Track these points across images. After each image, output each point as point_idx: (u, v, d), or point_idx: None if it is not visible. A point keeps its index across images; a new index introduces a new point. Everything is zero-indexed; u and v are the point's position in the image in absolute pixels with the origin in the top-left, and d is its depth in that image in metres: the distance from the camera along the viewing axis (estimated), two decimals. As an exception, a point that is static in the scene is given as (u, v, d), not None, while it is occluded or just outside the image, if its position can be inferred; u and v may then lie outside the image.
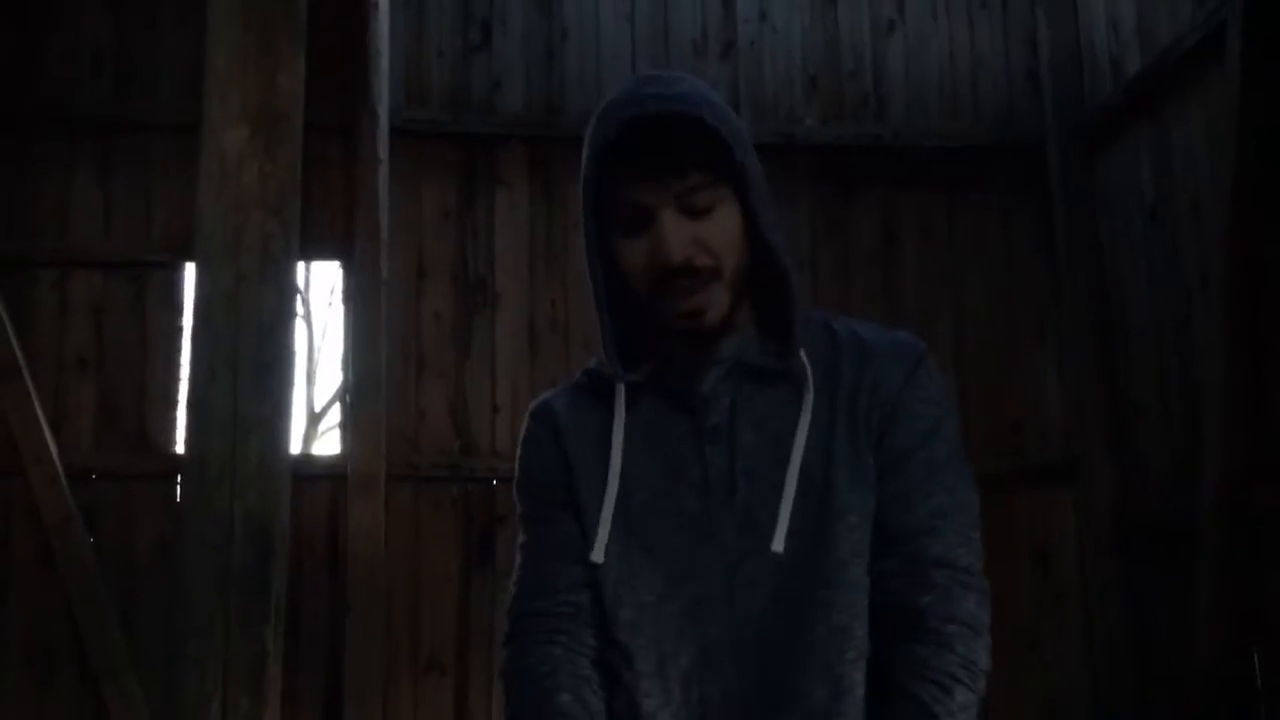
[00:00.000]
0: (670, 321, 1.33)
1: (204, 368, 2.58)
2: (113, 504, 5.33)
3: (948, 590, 1.28)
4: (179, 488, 5.00)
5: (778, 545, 1.28)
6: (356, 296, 5.58)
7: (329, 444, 11.93)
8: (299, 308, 12.15)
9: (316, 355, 12.63)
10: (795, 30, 6.11)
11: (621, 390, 1.37)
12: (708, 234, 1.30)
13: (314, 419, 12.41)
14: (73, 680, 5.18)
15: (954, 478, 1.34)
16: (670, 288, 1.30)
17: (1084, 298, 5.73)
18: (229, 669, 2.40)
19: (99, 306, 5.50)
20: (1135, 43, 5.51)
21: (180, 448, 5.20)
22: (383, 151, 5.55)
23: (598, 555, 1.33)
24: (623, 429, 1.36)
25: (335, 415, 11.11)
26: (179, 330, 5.55)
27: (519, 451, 1.48)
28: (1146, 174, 5.44)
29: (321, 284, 12.39)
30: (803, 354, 1.35)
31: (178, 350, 5.53)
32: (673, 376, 1.37)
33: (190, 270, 5.16)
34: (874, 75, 6.11)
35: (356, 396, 5.53)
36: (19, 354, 5.15)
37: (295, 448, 10.70)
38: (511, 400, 5.67)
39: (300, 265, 6.55)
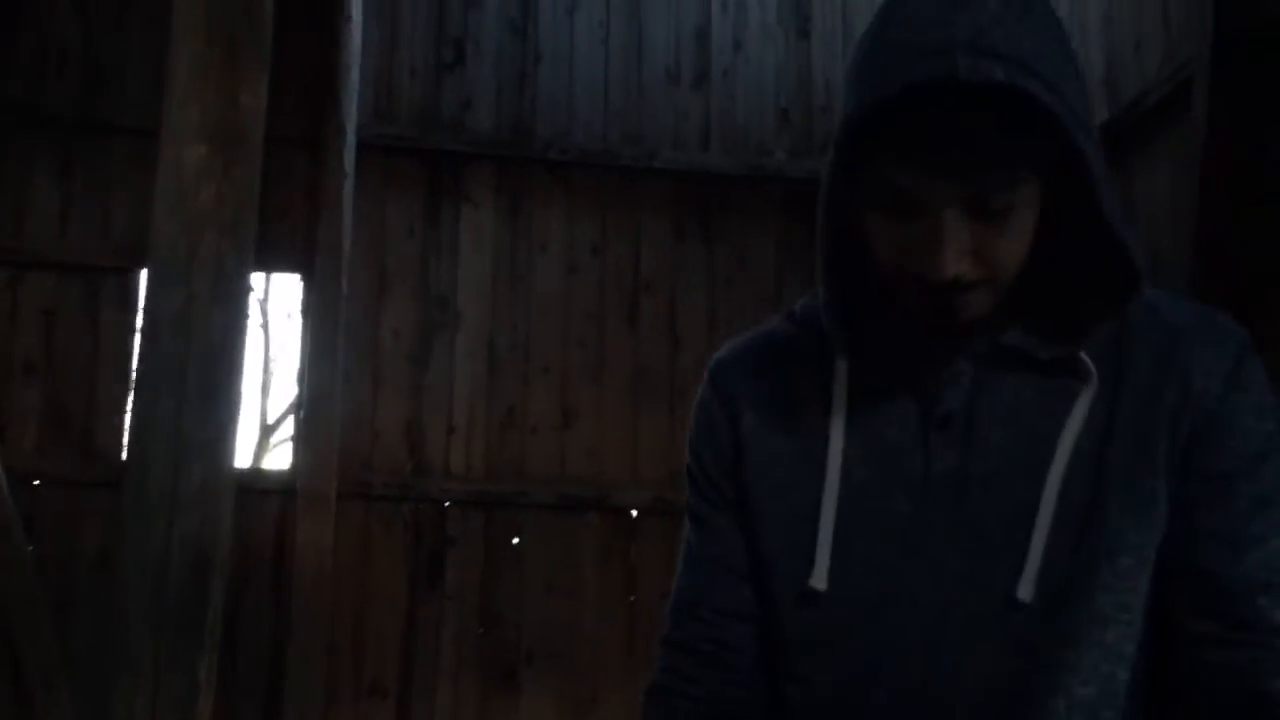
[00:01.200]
0: (914, 313, 1.00)
1: (149, 387, 2.53)
2: (55, 511, 5.23)
3: None
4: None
5: (1024, 592, 0.96)
6: (315, 310, 5.52)
7: (280, 457, 11.82)
8: (257, 318, 12.03)
9: (272, 367, 12.52)
10: (769, 62, 6.13)
11: (844, 371, 1.05)
12: (994, 245, 0.94)
13: (266, 432, 12.28)
14: (4, 689, 5.06)
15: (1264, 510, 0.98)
16: (930, 299, 0.97)
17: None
18: (158, 702, 2.33)
19: (50, 309, 5.40)
20: (1103, 94, 5.56)
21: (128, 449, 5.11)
22: (349, 166, 5.50)
23: (818, 580, 1.01)
24: (844, 422, 1.04)
25: (288, 428, 10.99)
26: (132, 338, 5.46)
27: (696, 416, 1.16)
28: (1109, 224, 5.47)
29: (281, 296, 12.25)
30: (1079, 348, 1.00)
31: (129, 358, 5.44)
32: (902, 347, 1.04)
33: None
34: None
35: (310, 411, 5.46)
36: (-35, 355, 5.05)
37: (245, 461, 10.58)
38: (468, 421, 5.62)
39: (260, 276, 6.48)
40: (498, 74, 5.90)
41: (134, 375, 5.33)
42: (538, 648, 5.44)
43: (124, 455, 5.28)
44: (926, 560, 1.00)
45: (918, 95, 0.89)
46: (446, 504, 5.52)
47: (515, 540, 5.55)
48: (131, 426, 2.49)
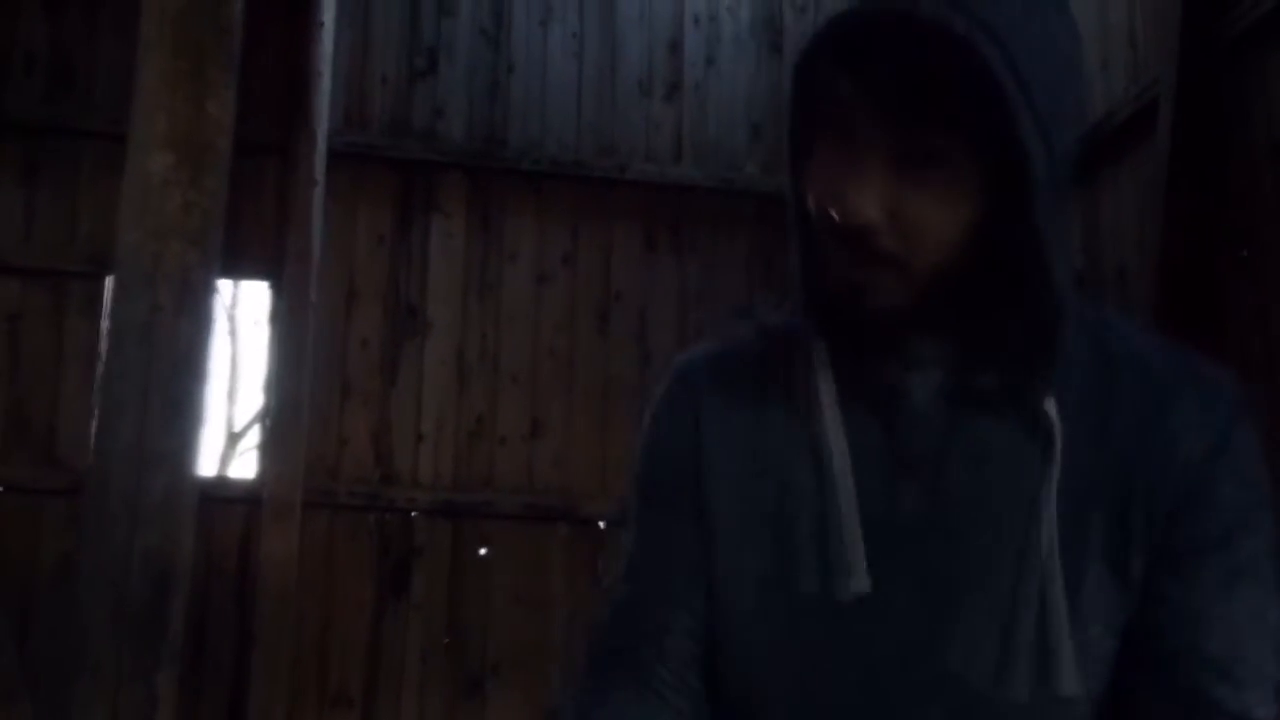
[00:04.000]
0: (836, 294, 0.92)
1: (112, 397, 2.51)
2: (17, 518, 5.17)
3: None
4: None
5: (1017, 694, 0.90)
6: (284, 318, 5.49)
7: (247, 464, 11.73)
8: (225, 325, 11.95)
9: (239, 374, 12.44)
10: (741, 77, 6.15)
11: (824, 352, 0.96)
12: (912, 208, 0.86)
13: (233, 439, 12.20)
14: (-38, 699, 4.99)
15: (1261, 593, 0.92)
16: (839, 243, 0.89)
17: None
18: (119, 713, 2.31)
19: (15, 314, 5.35)
20: (1071, 112, 5.62)
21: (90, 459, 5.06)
22: (319, 173, 5.48)
23: (860, 583, 0.92)
24: (836, 406, 0.95)
25: (255, 436, 10.92)
26: (97, 344, 5.41)
27: (645, 421, 1.08)
28: (1077, 239, 5.54)
29: (250, 303, 12.17)
30: (1042, 392, 0.92)
31: (95, 365, 5.39)
32: (869, 367, 0.95)
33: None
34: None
35: (276, 420, 5.42)
36: (-73, 359, 4.99)
37: (210, 469, 10.49)
38: (436, 431, 5.61)
39: (228, 283, 6.45)
40: (470, 83, 5.89)
41: (97, 384, 5.29)
42: (504, 658, 5.42)
43: (88, 463, 5.23)
44: (885, 605, 0.93)
45: (880, 30, 0.84)
46: (414, 513, 5.50)
47: (482, 550, 5.54)
48: (94, 437, 2.47)
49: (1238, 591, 0.91)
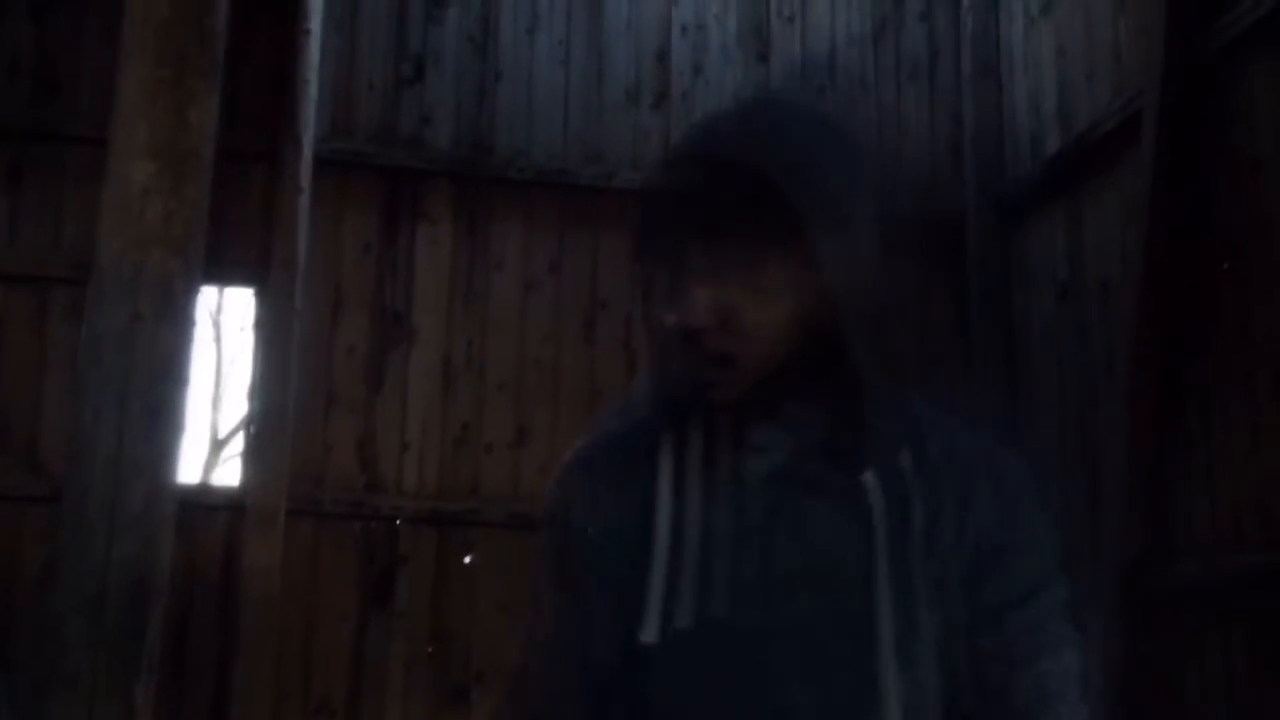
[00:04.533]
0: (691, 390, 1.11)
1: (91, 406, 2.50)
2: (-2, 525, 5.14)
3: None
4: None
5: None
6: (268, 325, 5.47)
7: (231, 471, 11.69)
8: (210, 331, 11.90)
9: (224, 380, 12.39)
10: (728, 86, 6.16)
11: (669, 444, 1.13)
12: (738, 306, 1.05)
13: (216, 446, 12.15)
14: (-59, 708, 4.96)
15: (1059, 637, 1.13)
16: (684, 356, 1.08)
17: (992, 373, 5.82)
18: (94, 725, 2.29)
19: (-3, 319, 5.33)
20: (1055, 124, 5.64)
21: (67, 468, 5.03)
22: (305, 180, 5.47)
23: (648, 635, 1.10)
24: (671, 485, 1.12)
25: (239, 443, 10.88)
26: (80, 350, 5.38)
27: (544, 514, 1.24)
28: (1060, 251, 5.55)
29: (235, 308, 12.13)
30: (868, 465, 1.10)
31: (78, 371, 5.37)
32: (713, 455, 1.13)
33: (96, 289, 5.01)
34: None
35: (261, 427, 5.41)
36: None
37: (194, 476, 10.44)
38: (421, 438, 5.59)
39: (213, 290, 6.42)
40: (457, 91, 5.89)
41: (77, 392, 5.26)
42: (489, 666, 5.40)
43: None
44: (738, 663, 1.10)
45: (701, 177, 1.05)
46: (398, 521, 5.49)
47: (467, 559, 5.52)
48: (72, 445, 2.45)
49: (1037, 638, 1.12)
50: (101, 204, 2.60)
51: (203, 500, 5.39)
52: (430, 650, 5.40)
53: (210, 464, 12.08)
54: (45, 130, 5.46)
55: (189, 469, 10.92)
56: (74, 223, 5.37)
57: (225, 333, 12.48)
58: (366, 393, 5.59)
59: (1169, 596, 4.53)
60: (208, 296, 10.56)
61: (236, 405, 12.10)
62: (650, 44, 6.11)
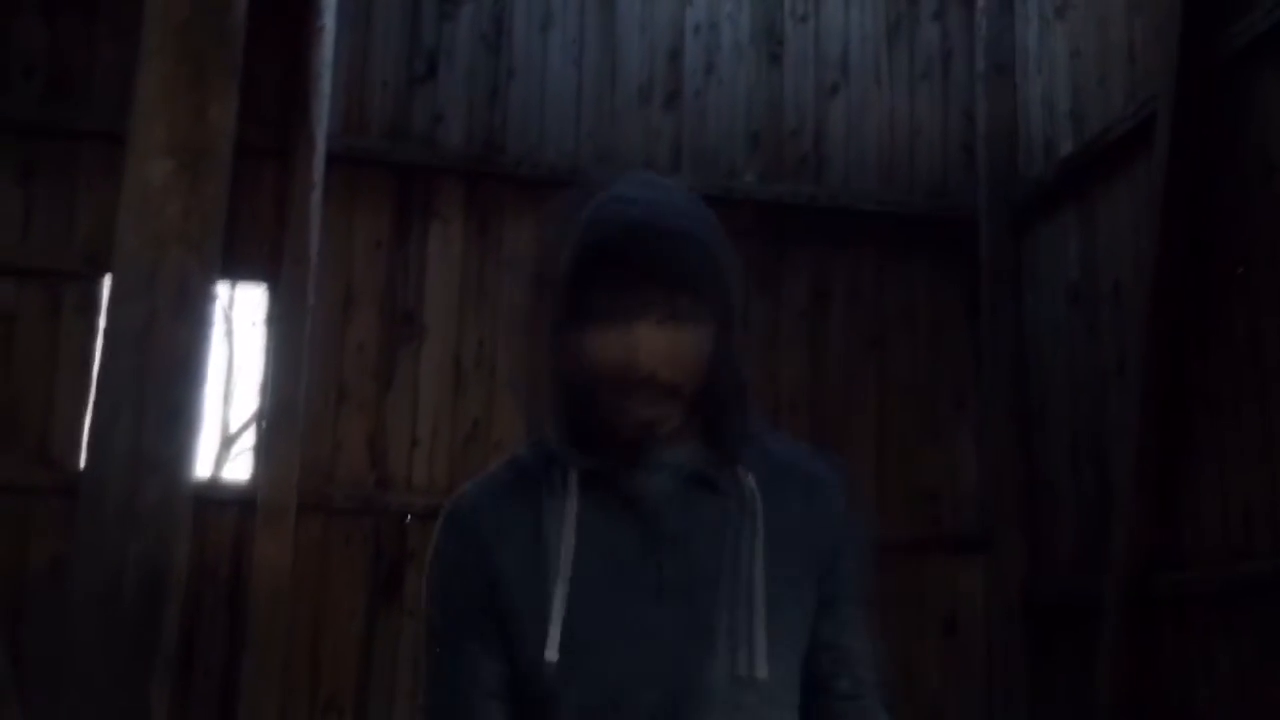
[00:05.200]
0: (619, 426, 1.29)
1: (108, 403, 2.50)
2: (8, 518, 5.15)
3: (888, 715, 1.41)
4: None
5: (761, 670, 1.29)
6: (280, 321, 5.48)
7: (241, 466, 11.70)
8: (222, 326, 11.92)
9: (235, 376, 12.40)
10: (740, 85, 6.16)
11: (575, 478, 1.31)
12: (682, 351, 1.27)
13: (227, 441, 12.17)
14: (-48, 700, 4.97)
15: (865, 625, 1.43)
16: (629, 393, 1.27)
17: (1004, 373, 5.82)
18: (109, 721, 2.30)
19: (10, 314, 5.33)
20: (1069, 125, 5.63)
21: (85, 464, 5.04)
22: (317, 176, 5.48)
23: (551, 653, 1.26)
24: (575, 517, 1.30)
25: (250, 438, 10.90)
26: (93, 345, 5.39)
27: (432, 557, 1.37)
28: (1072, 254, 5.54)
29: (247, 304, 12.14)
30: (744, 473, 1.35)
31: (90, 366, 5.37)
32: (620, 476, 1.32)
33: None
34: (815, 136, 6.17)
35: (272, 423, 5.42)
36: (-79, 358, 4.98)
37: (205, 471, 10.45)
38: (431, 435, 5.60)
39: (225, 286, 6.43)
40: (469, 89, 5.89)
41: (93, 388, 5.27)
42: (496, 665, 5.41)
43: (80, 464, 5.22)
44: (666, 654, 1.28)
45: (630, 236, 1.26)
46: (408, 518, 5.49)
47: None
48: (89, 442, 2.46)
49: (866, 606, 1.42)
50: (120, 202, 2.60)
51: (213, 495, 5.40)
52: (438, 647, 5.40)
53: (221, 459, 12.10)
54: (58, 127, 5.47)
55: (200, 463, 10.94)
56: (86, 218, 5.38)
57: (237, 328, 12.49)
58: (377, 389, 5.60)
59: (1177, 601, 4.53)
60: (219, 292, 10.58)
61: (247, 401, 12.12)
62: (663, 43, 6.10)
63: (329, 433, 5.51)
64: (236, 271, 5.65)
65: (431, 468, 5.59)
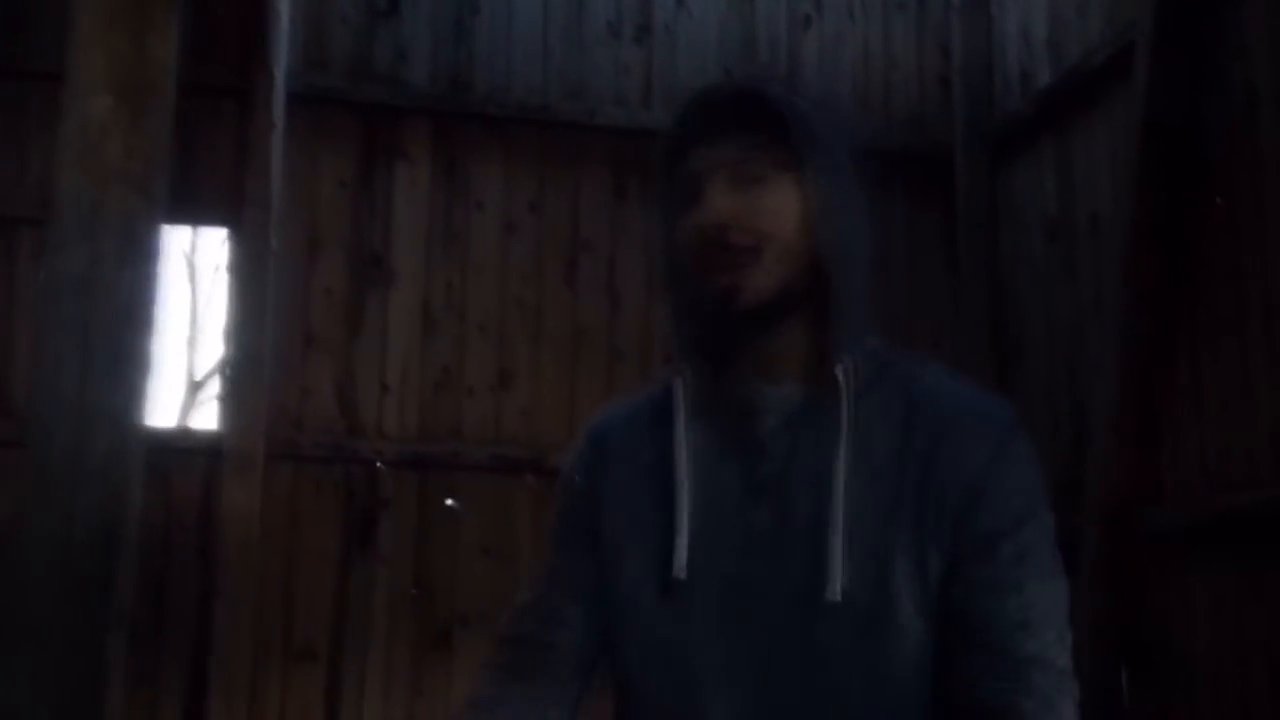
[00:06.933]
0: (706, 304, 1.22)
1: (52, 351, 2.40)
2: (-31, 471, 5.04)
3: (1047, 696, 1.14)
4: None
5: (834, 593, 1.18)
6: (243, 266, 5.36)
7: (208, 414, 11.57)
8: (183, 271, 11.74)
9: (199, 322, 12.24)
10: (712, 19, 6.01)
11: (680, 388, 1.27)
12: (755, 206, 1.21)
13: (193, 389, 12.02)
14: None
15: (1046, 566, 1.19)
16: (709, 262, 1.21)
17: (981, 310, 5.75)
18: (64, 678, 2.23)
19: (-36, 262, 5.20)
20: (1046, 56, 5.53)
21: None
22: (278, 116, 5.32)
23: (679, 569, 1.22)
24: (685, 441, 1.26)
25: (216, 385, 10.77)
26: (50, 292, 5.27)
27: (563, 469, 1.41)
28: (1050, 188, 5.46)
29: (209, 249, 11.95)
30: (845, 400, 1.22)
31: (47, 313, 5.26)
32: (726, 414, 1.26)
33: (64, 230, 4.87)
34: (788, 70, 6.05)
35: (237, 371, 5.31)
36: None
37: (170, 420, 10.34)
38: (401, 381, 5.51)
39: (187, 230, 6.29)
40: (434, 25, 5.73)
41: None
42: (472, 609, 5.37)
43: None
44: (759, 604, 1.21)
45: (701, 110, 1.26)
46: (379, 465, 5.42)
47: (450, 501, 5.47)
48: (33, 391, 2.36)
49: (1026, 566, 1.18)
50: (58, 140, 2.48)
51: (180, 444, 5.31)
52: (413, 593, 5.36)
53: (187, 407, 11.98)
54: (8, 67, 5.29)
55: (165, 413, 10.83)
56: (39, 161, 5.22)
57: (200, 273, 12.31)
58: (345, 335, 5.50)
59: (1155, 536, 4.51)
60: (180, 237, 10.38)
61: (213, 347, 11.97)
62: (632, -25, 5.95)
63: (297, 380, 5.41)
64: (197, 215, 5.51)
65: (402, 414, 5.51)
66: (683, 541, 1.22)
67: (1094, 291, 5.01)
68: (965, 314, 5.83)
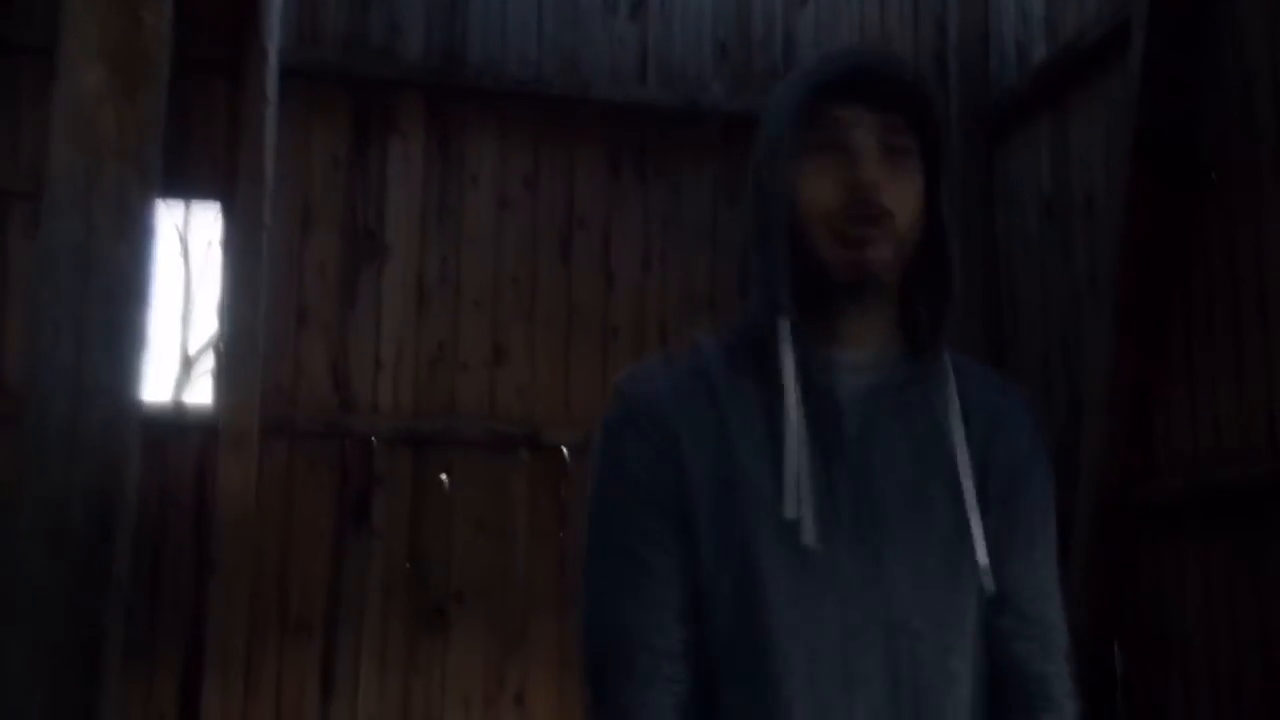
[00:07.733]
0: (834, 261, 1.23)
1: (47, 325, 2.39)
2: (-36, 447, 5.04)
3: (1064, 659, 1.31)
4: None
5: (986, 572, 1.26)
6: (236, 242, 5.34)
7: (203, 389, 11.55)
8: (177, 247, 11.69)
9: (193, 298, 12.18)
10: (707, -7, 5.98)
11: (787, 332, 1.23)
12: (906, 189, 1.26)
13: (187, 364, 11.99)
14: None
15: (1054, 544, 1.36)
16: (853, 218, 1.23)
17: (976, 288, 5.75)
18: (60, 655, 2.23)
19: (-44, 236, 5.17)
20: (1042, 32, 5.51)
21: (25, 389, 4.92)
22: (271, 92, 5.29)
23: (809, 537, 1.19)
24: (795, 386, 1.22)
25: (210, 360, 10.74)
26: (42, 267, 5.25)
27: (605, 441, 1.28)
28: (1045, 165, 5.46)
29: (202, 224, 11.91)
30: (951, 374, 1.30)
31: (40, 289, 5.24)
32: (807, 375, 1.25)
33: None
34: (784, 45, 6.02)
35: (231, 347, 5.30)
36: None
37: (165, 395, 10.30)
38: (395, 358, 5.51)
39: (179, 205, 6.27)
40: (427, -1, 5.69)
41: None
42: (467, 586, 5.39)
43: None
44: (835, 581, 1.22)
45: (854, 75, 1.26)
46: (374, 440, 5.42)
47: (444, 477, 5.48)
48: (28, 366, 2.36)
49: (1048, 542, 1.34)
50: (51, 113, 2.47)
51: (174, 420, 5.30)
52: (407, 569, 5.37)
53: (181, 382, 11.94)
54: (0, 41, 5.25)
55: (160, 388, 10.79)
56: (31, 135, 5.19)
57: (193, 249, 12.26)
58: (339, 311, 5.49)
59: (1149, 512, 4.53)
60: (173, 212, 10.33)
61: (206, 322, 11.93)
62: (627, -51, 5.91)
63: (290, 356, 5.40)
64: (190, 190, 5.49)
65: (396, 390, 5.51)
66: (809, 511, 1.20)
67: (1089, 269, 5.01)
68: (960, 290, 5.82)
